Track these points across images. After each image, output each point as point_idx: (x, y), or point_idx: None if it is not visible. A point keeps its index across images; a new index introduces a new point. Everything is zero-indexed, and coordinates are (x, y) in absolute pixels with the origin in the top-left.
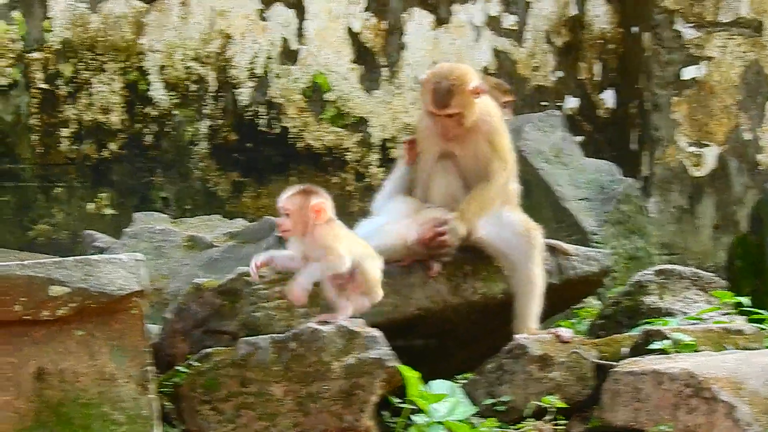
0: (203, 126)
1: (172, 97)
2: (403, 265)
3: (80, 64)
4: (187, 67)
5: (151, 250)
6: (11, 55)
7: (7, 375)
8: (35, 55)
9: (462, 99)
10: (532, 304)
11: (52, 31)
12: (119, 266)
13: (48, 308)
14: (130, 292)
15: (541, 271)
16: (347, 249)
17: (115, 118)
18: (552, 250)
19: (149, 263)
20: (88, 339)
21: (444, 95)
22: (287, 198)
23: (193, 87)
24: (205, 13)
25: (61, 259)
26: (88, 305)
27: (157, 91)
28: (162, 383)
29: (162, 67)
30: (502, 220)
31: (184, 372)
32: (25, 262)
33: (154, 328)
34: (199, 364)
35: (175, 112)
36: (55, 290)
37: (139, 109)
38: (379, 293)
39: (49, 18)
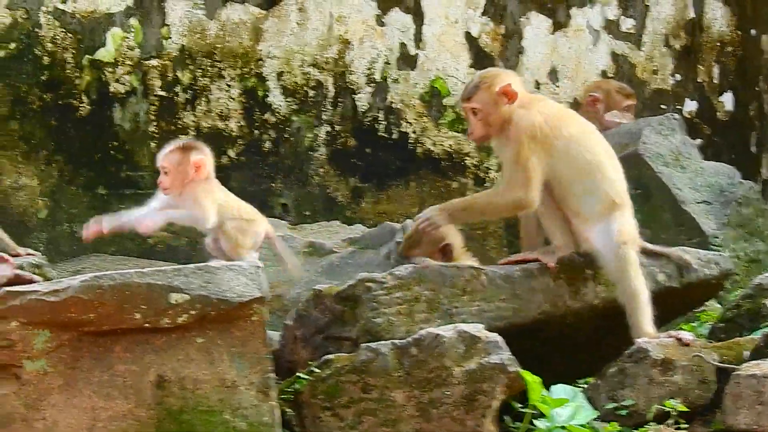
0: (322, 132)
1: (290, 103)
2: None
3: (198, 71)
4: (306, 73)
5: (271, 256)
6: (129, 63)
7: (128, 383)
8: (153, 62)
9: (486, 96)
10: (639, 314)
11: (169, 38)
12: (239, 273)
13: (168, 316)
14: (251, 299)
15: (638, 283)
16: (214, 207)
17: (234, 125)
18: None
19: (269, 270)
20: (209, 346)
21: (470, 88)
22: (166, 154)
23: (312, 93)
24: (323, 19)
25: (180, 266)
26: (208, 312)
27: (276, 98)
28: (283, 390)
29: (280, 73)
30: (605, 230)
31: (305, 379)
32: (145, 270)
33: (275, 335)
34: (320, 371)
35: (294, 118)
36: (175, 298)
37: (258, 116)
38: (243, 256)
39: (166, 25)
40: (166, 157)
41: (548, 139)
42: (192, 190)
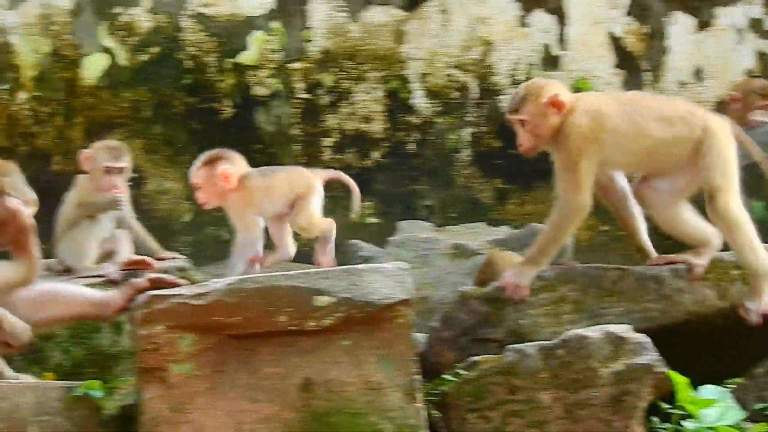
0: (466, 133)
1: (433, 105)
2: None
3: (341, 73)
4: (449, 75)
5: (416, 258)
6: (272, 66)
7: (274, 386)
8: (296, 65)
9: (533, 108)
10: None
11: (312, 40)
12: (384, 275)
13: (313, 318)
14: (396, 301)
15: None
16: (247, 219)
17: (377, 127)
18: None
19: (414, 272)
20: (355, 348)
21: (517, 100)
22: (194, 170)
23: (455, 94)
24: (465, 20)
25: (326, 269)
26: (354, 315)
27: (419, 99)
28: (429, 392)
29: (423, 75)
30: None
31: (451, 380)
32: (290, 273)
33: (421, 337)
34: (466, 372)
35: (437, 119)
36: (321, 300)
37: (401, 118)
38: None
39: (308, 28)
40: (195, 173)
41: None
42: (230, 202)
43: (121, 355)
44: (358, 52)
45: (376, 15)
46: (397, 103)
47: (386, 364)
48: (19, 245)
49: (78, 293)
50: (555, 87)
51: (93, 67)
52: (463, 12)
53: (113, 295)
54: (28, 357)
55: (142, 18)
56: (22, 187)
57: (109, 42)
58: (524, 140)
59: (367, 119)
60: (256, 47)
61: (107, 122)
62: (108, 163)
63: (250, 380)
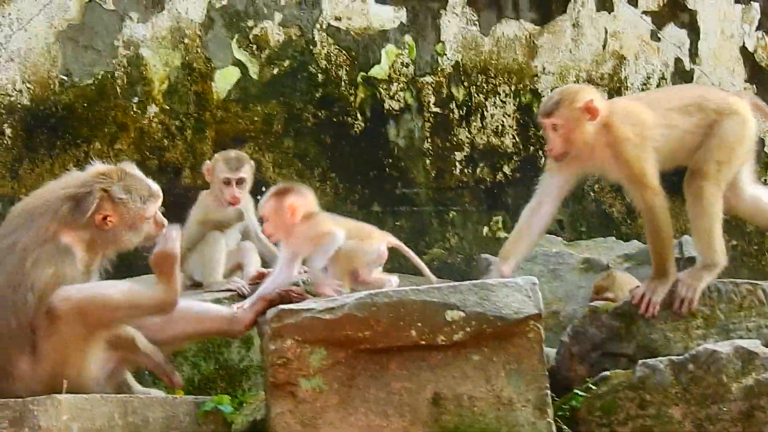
0: None
1: None
2: None
3: (473, 87)
4: None
5: (547, 273)
6: (403, 80)
7: (405, 400)
8: (428, 79)
9: (568, 112)
10: None
11: (444, 54)
12: (515, 290)
13: (444, 333)
14: (527, 315)
15: None
16: (333, 225)
17: (509, 141)
18: None
19: (545, 286)
20: (485, 363)
21: (551, 104)
22: (263, 203)
23: None
24: (597, 35)
25: (456, 283)
26: (484, 329)
27: None
28: (559, 407)
29: (554, 89)
30: None
31: (581, 395)
32: (420, 288)
33: (551, 352)
34: (597, 387)
35: None
36: (451, 315)
37: (533, 132)
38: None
39: (441, 42)
40: (263, 205)
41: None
42: (300, 233)
43: (250, 369)
44: (490, 66)
45: (509, 29)
46: (529, 117)
47: (517, 379)
48: (163, 270)
49: (207, 309)
50: (590, 93)
51: (224, 81)
52: (595, 26)
53: (242, 311)
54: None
55: (273, 31)
56: (145, 182)
57: (240, 55)
58: (555, 145)
59: (498, 133)
60: (387, 61)
61: (237, 136)
62: (226, 174)
63: (380, 395)
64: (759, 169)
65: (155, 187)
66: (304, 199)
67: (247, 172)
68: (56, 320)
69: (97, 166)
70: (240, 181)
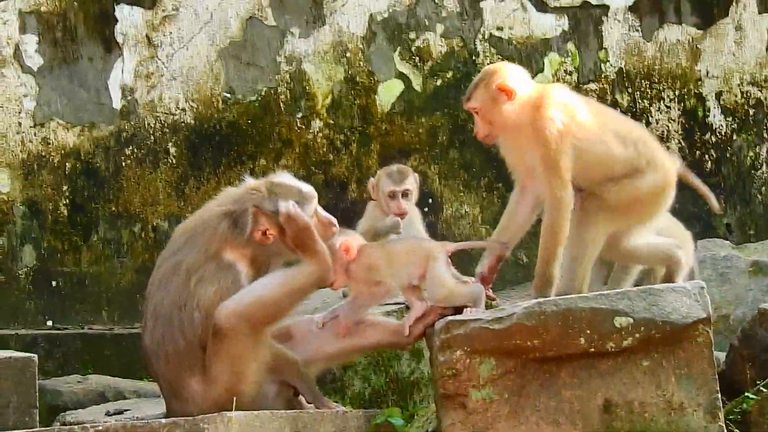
0: (763, 150)
1: (730, 123)
2: None
3: (637, 93)
4: (745, 92)
5: (716, 276)
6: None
7: (575, 408)
8: (591, 86)
9: (483, 94)
10: None
11: (607, 61)
12: (683, 294)
13: (613, 340)
14: (696, 320)
15: None
16: (389, 273)
17: (674, 146)
18: None
19: (714, 290)
20: (655, 368)
21: (470, 87)
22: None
23: (752, 111)
24: (760, 37)
25: (624, 290)
26: (653, 335)
27: (716, 117)
28: (730, 411)
29: (719, 93)
30: None
31: (752, 398)
32: (588, 295)
33: (720, 355)
34: None
35: (735, 137)
36: (620, 321)
37: (698, 136)
38: (437, 295)
39: (604, 48)
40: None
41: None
42: (355, 275)
43: (421, 382)
44: (653, 72)
45: (671, 33)
46: (693, 122)
47: (687, 384)
48: (304, 245)
49: (376, 322)
50: (507, 72)
51: (388, 93)
52: (757, 28)
53: (410, 322)
54: (328, 386)
55: (436, 42)
56: (295, 187)
57: (403, 68)
58: (478, 128)
59: (663, 138)
60: (551, 69)
61: (402, 148)
62: (391, 187)
63: (551, 403)
64: None
65: (307, 188)
66: (356, 240)
67: (411, 183)
68: (223, 337)
69: (248, 182)
70: (405, 194)
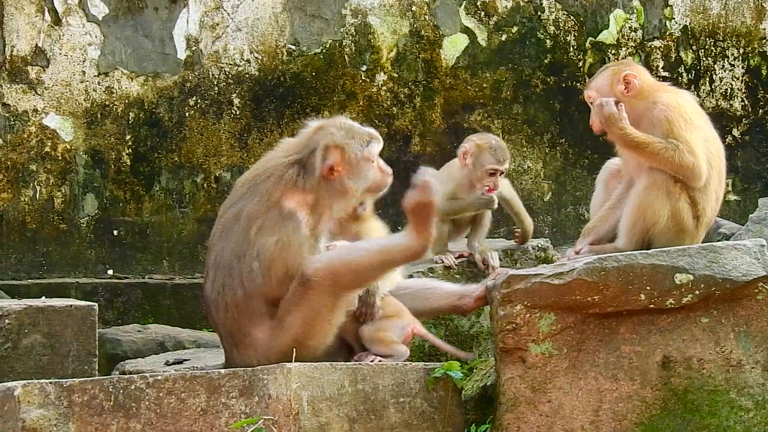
0: None
1: None
2: None
3: (701, 51)
4: None
5: None
6: (632, 44)
7: (634, 364)
8: (656, 43)
9: (599, 83)
10: None
11: (672, 18)
12: (744, 252)
13: (673, 296)
14: (755, 277)
15: None
16: None
17: (738, 104)
18: None
19: None
20: (714, 326)
21: (594, 77)
22: None
23: None
24: None
25: (685, 246)
26: (713, 292)
27: None
28: None
29: None
30: None
31: None
32: (650, 251)
33: None
34: None
35: None
36: (680, 278)
37: (762, 95)
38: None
39: (669, 6)
40: None
41: None
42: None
43: (480, 335)
44: (718, 29)
45: None
46: (757, 80)
47: (746, 341)
48: (419, 217)
49: (438, 286)
50: (632, 68)
51: (452, 48)
52: None
53: (471, 288)
54: None
55: None
56: (363, 128)
57: (468, 22)
58: (594, 119)
59: (727, 97)
60: (616, 26)
61: (466, 103)
62: (494, 165)
63: (610, 359)
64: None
65: (374, 131)
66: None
67: (509, 162)
68: (309, 290)
69: (312, 124)
70: (503, 173)
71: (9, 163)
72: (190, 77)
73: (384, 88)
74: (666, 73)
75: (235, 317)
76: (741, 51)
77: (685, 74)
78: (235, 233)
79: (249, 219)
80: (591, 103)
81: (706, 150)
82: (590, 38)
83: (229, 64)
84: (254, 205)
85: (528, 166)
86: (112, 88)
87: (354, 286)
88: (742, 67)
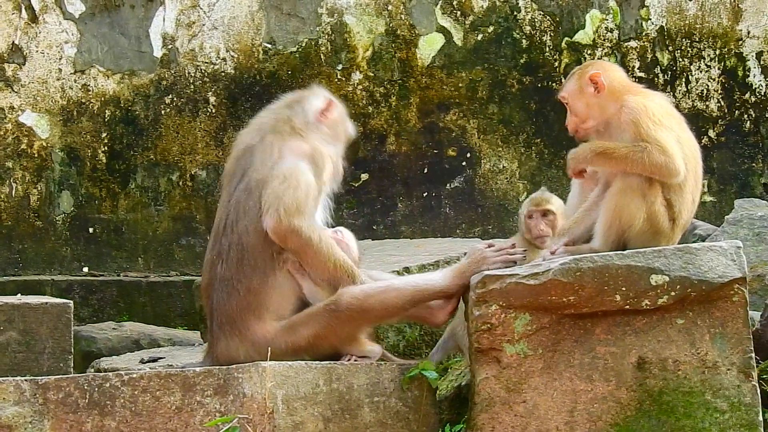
0: None
1: None
2: None
3: (677, 51)
4: None
5: (752, 236)
6: (608, 45)
7: (609, 365)
8: (632, 43)
9: (571, 85)
10: None
11: (649, 19)
12: (719, 254)
13: (648, 297)
14: (731, 279)
15: None
16: None
17: (714, 105)
18: None
19: (750, 250)
20: (689, 327)
21: (565, 80)
22: None
23: None
24: None
25: (660, 248)
26: (689, 293)
27: (756, 78)
28: (763, 370)
29: (760, 53)
30: None
31: None
32: (625, 252)
33: (755, 315)
34: None
35: None
36: (656, 279)
37: (738, 96)
38: None
39: (645, 6)
40: None
41: None
42: None
43: None
44: (694, 31)
45: None
46: (733, 82)
47: (721, 343)
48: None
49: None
50: (601, 67)
51: (428, 47)
52: None
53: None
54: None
55: None
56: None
57: (444, 21)
58: (569, 121)
59: (703, 97)
60: (592, 26)
61: (442, 102)
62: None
63: (585, 359)
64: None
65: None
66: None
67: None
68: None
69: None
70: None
71: None
72: (166, 75)
73: (360, 87)
74: (642, 74)
75: (242, 306)
76: (717, 52)
77: (661, 75)
78: (252, 207)
79: (258, 187)
80: (566, 104)
81: (680, 151)
82: (566, 38)
83: (205, 63)
84: (258, 169)
85: (503, 166)
86: (89, 85)
87: (378, 321)
88: (719, 68)
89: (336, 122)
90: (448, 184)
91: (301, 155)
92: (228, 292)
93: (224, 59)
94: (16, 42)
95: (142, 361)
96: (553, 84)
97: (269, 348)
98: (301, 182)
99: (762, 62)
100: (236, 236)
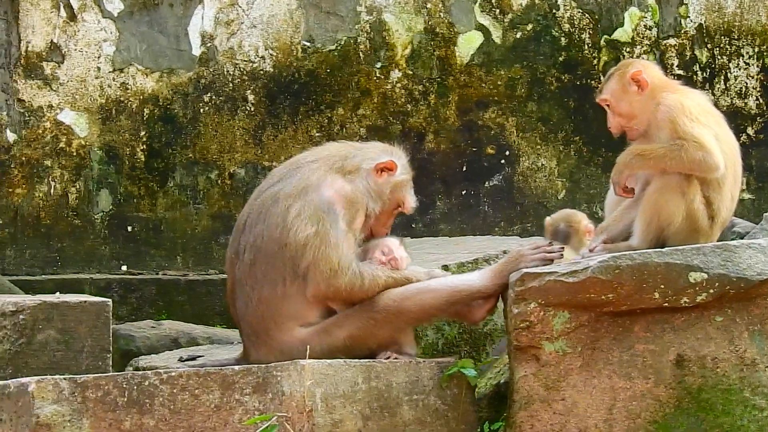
0: None
1: None
2: None
3: (716, 49)
4: None
5: None
6: (647, 42)
7: (648, 362)
8: (671, 41)
9: (612, 85)
10: None
11: (687, 17)
12: (758, 251)
13: (687, 295)
14: None
15: None
16: None
17: (753, 103)
18: None
19: None
20: (728, 324)
21: (604, 81)
22: None
23: None
24: None
25: (699, 245)
26: (727, 291)
27: None
28: None
29: None
30: None
31: None
32: (664, 250)
33: None
34: None
35: None
36: (694, 276)
37: None
38: None
39: (684, 4)
40: None
41: None
42: None
43: (494, 333)
44: (733, 28)
45: None
46: None
47: (760, 340)
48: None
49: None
50: (641, 65)
51: (467, 45)
52: None
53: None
54: None
55: None
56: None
57: (483, 19)
58: (611, 122)
59: (742, 95)
60: (631, 24)
61: (480, 100)
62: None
63: (624, 357)
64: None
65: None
66: None
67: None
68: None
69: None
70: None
71: (24, 158)
72: (205, 73)
73: (398, 85)
74: (681, 72)
75: (258, 316)
76: (756, 50)
77: (699, 73)
78: (273, 216)
79: (287, 201)
80: (607, 106)
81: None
82: (605, 36)
83: (244, 61)
84: (292, 187)
85: (542, 164)
86: (127, 84)
87: (416, 323)
88: (757, 66)
89: (389, 185)
90: (486, 182)
91: (337, 192)
92: (245, 301)
93: (263, 57)
94: (55, 40)
95: (181, 360)
96: (592, 82)
97: (307, 347)
98: (330, 235)
99: None
100: (252, 237)
